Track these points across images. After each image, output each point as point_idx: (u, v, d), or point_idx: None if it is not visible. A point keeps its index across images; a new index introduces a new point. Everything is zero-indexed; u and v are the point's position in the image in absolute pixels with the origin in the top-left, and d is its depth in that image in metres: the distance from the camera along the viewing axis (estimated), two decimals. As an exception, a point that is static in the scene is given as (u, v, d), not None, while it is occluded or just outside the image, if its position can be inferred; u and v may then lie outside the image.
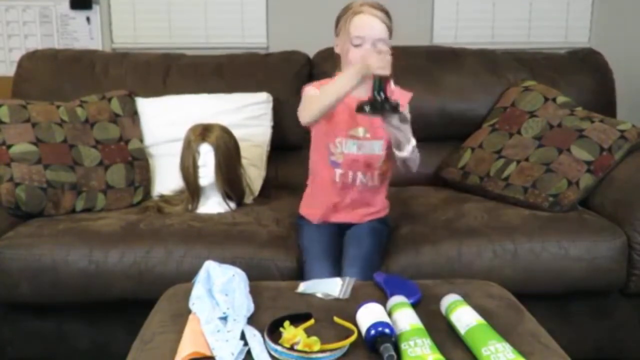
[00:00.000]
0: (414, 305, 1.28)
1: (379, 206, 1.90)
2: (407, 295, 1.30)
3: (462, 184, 2.24)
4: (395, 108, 1.55)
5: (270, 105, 2.33)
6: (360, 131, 1.81)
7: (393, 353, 1.07)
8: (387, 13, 1.74)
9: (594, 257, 1.82)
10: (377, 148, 1.82)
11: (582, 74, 2.45)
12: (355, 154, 1.82)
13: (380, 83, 1.53)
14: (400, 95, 1.82)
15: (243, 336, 1.18)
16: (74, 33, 2.86)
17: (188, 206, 2.05)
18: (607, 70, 2.47)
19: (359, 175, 1.83)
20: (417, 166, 1.80)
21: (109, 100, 2.23)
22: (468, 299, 1.29)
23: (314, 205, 1.91)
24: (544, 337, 1.22)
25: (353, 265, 1.69)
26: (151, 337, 1.22)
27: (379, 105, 1.52)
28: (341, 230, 1.86)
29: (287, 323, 1.20)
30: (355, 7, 1.73)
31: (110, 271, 1.78)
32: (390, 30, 1.74)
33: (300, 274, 1.74)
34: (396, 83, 2.42)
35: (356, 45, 1.70)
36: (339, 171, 1.83)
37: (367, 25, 1.70)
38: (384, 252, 1.82)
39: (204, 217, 1.98)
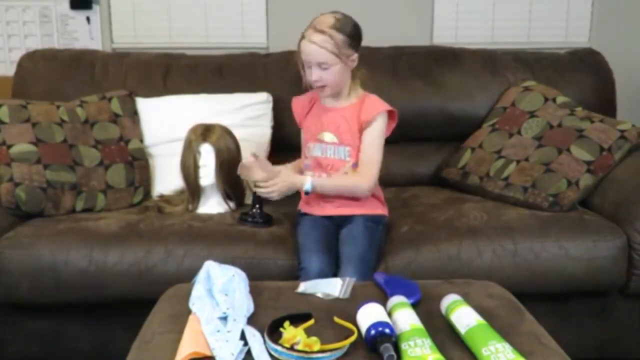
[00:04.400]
0: (414, 305, 1.28)
1: (362, 201, 1.91)
2: (407, 295, 1.30)
3: (462, 184, 2.24)
4: (268, 221, 1.92)
5: (270, 105, 2.33)
6: (326, 136, 1.90)
7: (393, 353, 1.07)
8: (338, 30, 1.78)
9: (594, 257, 1.82)
10: (343, 154, 1.88)
11: (582, 74, 2.45)
12: (320, 157, 1.90)
13: (259, 201, 1.90)
14: (374, 105, 1.86)
15: (243, 336, 1.18)
16: (74, 33, 2.86)
17: (188, 206, 2.05)
18: (607, 70, 2.47)
19: (324, 176, 1.89)
20: (355, 193, 1.88)
21: (109, 100, 2.23)
22: (468, 299, 1.29)
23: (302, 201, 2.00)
24: (544, 337, 1.22)
25: (349, 265, 1.71)
26: (151, 337, 1.22)
27: (255, 219, 1.90)
28: (336, 226, 1.88)
29: (287, 323, 1.20)
30: (305, 31, 1.82)
31: (110, 271, 1.78)
32: (336, 49, 1.78)
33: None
34: (396, 82, 2.43)
35: (308, 67, 1.82)
36: (309, 173, 1.91)
37: (307, 51, 1.80)
38: (381, 252, 1.82)
39: (204, 217, 1.98)
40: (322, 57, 1.78)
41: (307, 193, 1.84)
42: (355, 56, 1.84)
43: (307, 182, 1.82)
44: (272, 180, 1.81)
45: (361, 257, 1.74)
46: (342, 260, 1.74)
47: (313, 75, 1.81)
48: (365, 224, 1.85)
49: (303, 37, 1.81)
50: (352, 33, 1.81)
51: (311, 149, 1.94)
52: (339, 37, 1.78)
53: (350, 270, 1.68)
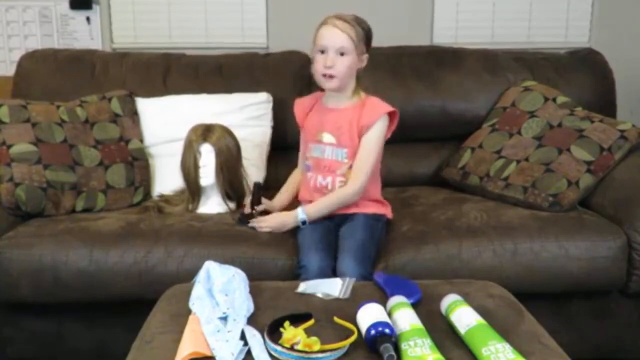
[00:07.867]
0: (414, 305, 1.28)
1: (363, 202, 1.91)
2: (407, 295, 1.30)
3: (462, 184, 2.24)
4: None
5: (270, 105, 2.33)
6: (325, 136, 1.91)
7: (393, 353, 1.07)
8: (358, 24, 1.83)
9: (593, 257, 1.82)
10: (341, 156, 1.89)
11: (582, 74, 2.45)
12: (319, 158, 1.91)
13: (258, 197, 1.91)
14: (375, 108, 1.86)
15: (243, 336, 1.18)
16: (74, 33, 2.86)
17: (188, 206, 2.05)
18: (607, 70, 2.47)
19: (319, 178, 1.91)
20: (345, 203, 1.88)
21: (109, 100, 2.23)
22: (468, 299, 1.29)
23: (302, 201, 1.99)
24: (544, 337, 1.22)
25: (348, 254, 1.72)
26: (151, 337, 1.22)
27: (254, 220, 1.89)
28: (335, 225, 1.88)
29: (287, 323, 1.20)
30: (324, 19, 1.85)
31: (111, 271, 1.78)
32: (356, 39, 1.82)
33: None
34: (396, 82, 2.43)
35: (321, 52, 1.83)
36: (309, 174, 1.94)
37: (328, 35, 1.81)
38: (382, 249, 1.82)
39: (204, 217, 1.98)
40: (342, 42, 1.80)
41: (304, 223, 1.85)
42: (366, 56, 1.87)
43: (300, 214, 1.85)
44: (263, 218, 1.88)
45: (360, 247, 1.75)
46: (341, 251, 1.75)
47: (328, 60, 1.80)
48: (365, 221, 1.86)
49: (324, 23, 1.83)
50: (367, 31, 1.86)
51: (311, 150, 1.95)
52: (359, 29, 1.82)
53: (349, 259, 1.69)
